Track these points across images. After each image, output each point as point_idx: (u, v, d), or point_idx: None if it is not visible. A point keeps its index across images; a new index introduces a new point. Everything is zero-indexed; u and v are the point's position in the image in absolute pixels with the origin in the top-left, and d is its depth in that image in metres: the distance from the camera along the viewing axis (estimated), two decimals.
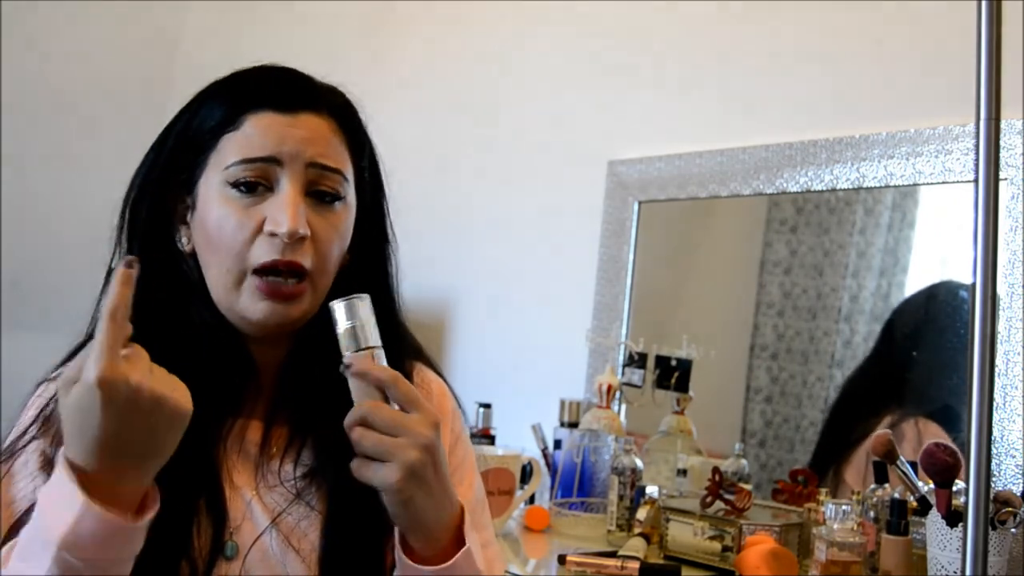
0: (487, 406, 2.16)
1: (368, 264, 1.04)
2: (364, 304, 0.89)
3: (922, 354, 1.74)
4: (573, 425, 2.04)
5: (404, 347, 1.06)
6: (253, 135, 0.94)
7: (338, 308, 0.89)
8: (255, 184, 0.94)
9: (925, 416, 1.69)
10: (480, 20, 2.57)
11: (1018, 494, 1.41)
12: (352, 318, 0.88)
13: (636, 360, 2.04)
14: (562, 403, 2.09)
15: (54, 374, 0.98)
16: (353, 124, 1.02)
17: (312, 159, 0.95)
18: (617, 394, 2.04)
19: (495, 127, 2.51)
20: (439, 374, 1.11)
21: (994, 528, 1.34)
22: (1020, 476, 1.53)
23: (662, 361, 2.00)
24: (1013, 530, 1.35)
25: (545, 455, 2.04)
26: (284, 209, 0.93)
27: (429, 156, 2.64)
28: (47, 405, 0.95)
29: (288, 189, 0.94)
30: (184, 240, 0.99)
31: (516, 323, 2.40)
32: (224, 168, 0.94)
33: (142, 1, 3.03)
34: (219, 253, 0.94)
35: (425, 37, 2.71)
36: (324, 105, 0.98)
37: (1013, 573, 1.36)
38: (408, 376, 1.03)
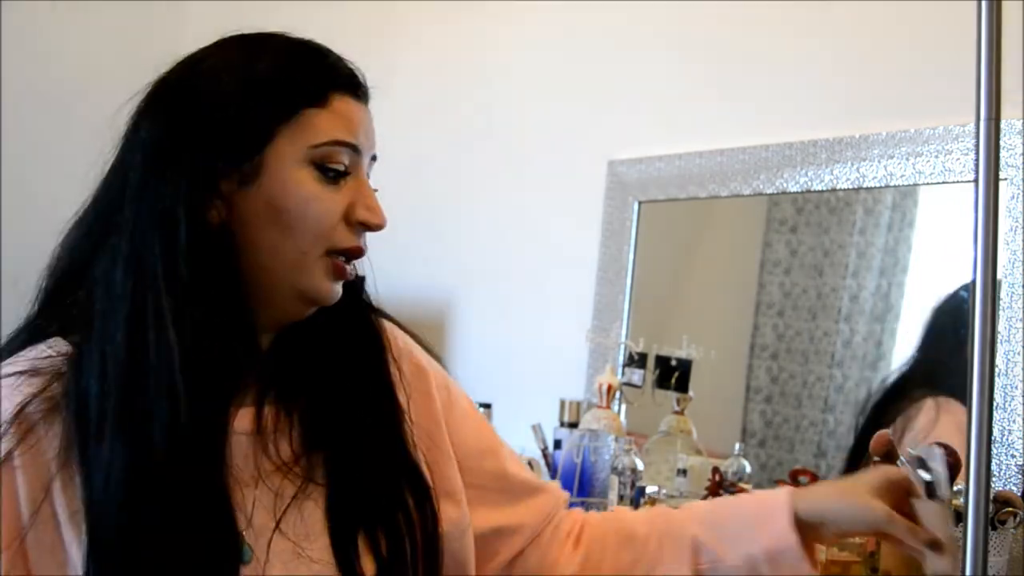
0: (487, 406, 2.16)
1: None
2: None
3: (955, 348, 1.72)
4: (573, 425, 2.04)
5: (372, 308, 1.06)
6: (343, 116, 0.93)
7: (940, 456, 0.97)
8: (343, 168, 0.93)
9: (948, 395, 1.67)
10: (480, 20, 2.57)
11: (1018, 494, 1.41)
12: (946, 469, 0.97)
13: (636, 360, 2.04)
14: (562, 403, 2.09)
15: (14, 367, 0.87)
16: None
17: (374, 152, 0.98)
18: (617, 394, 2.03)
19: (495, 127, 2.50)
20: (413, 336, 1.11)
21: (994, 528, 1.33)
22: (1020, 476, 1.53)
23: (662, 361, 2.00)
24: (1013, 530, 1.35)
25: (545, 455, 2.04)
26: (374, 200, 0.95)
27: (428, 156, 2.64)
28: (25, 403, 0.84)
29: (367, 180, 0.96)
30: (219, 212, 0.90)
31: (516, 323, 2.40)
32: (311, 145, 0.90)
33: (144, 1, 3.03)
34: (298, 233, 0.90)
35: (424, 36, 2.70)
36: (368, 98, 1.00)
37: (1013, 573, 1.36)
38: (380, 331, 1.05)
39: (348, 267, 0.95)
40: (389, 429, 1.00)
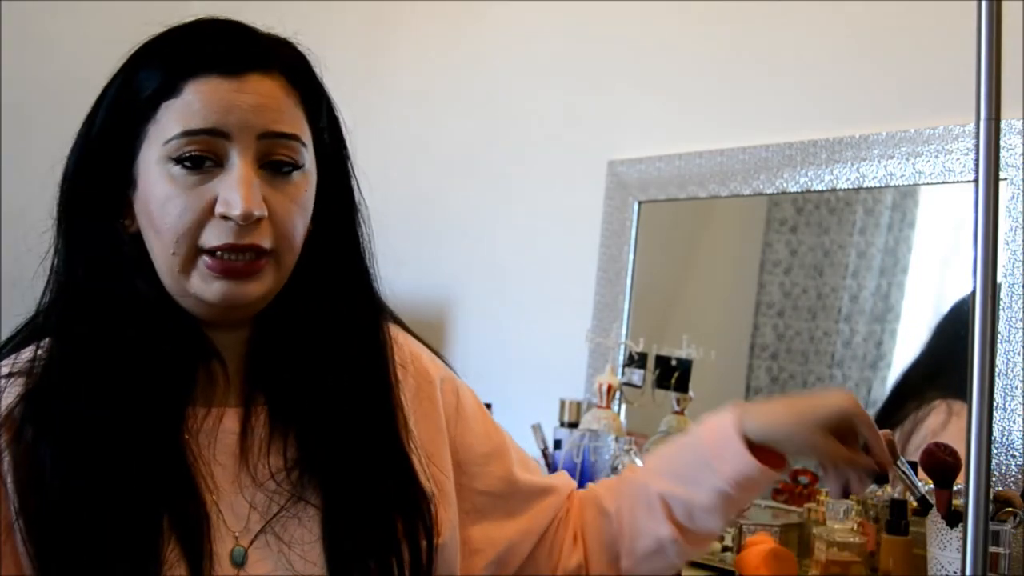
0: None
1: (335, 232, 0.97)
2: None
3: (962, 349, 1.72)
4: (573, 425, 2.04)
5: (384, 314, 1.03)
6: (194, 103, 0.85)
7: None
8: (201, 159, 0.85)
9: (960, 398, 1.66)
10: (480, 20, 2.57)
11: (1018, 494, 1.41)
12: None
13: (636, 360, 2.04)
14: (562, 403, 2.08)
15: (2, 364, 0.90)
16: (307, 81, 0.93)
17: (264, 129, 0.86)
18: (617, 394, 2.03)
19: (495, 127, 2.50)
20: (420, 340, 1.09)
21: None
22: (1020, 476, 1.53)
23: (662, 361, 2.00)
24: (1013, 530, 1.35)
25: (545, 455, 2.04)
26: (236, 188, 0.84)
27: (428, 155, 2.64)
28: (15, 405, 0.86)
29: (239, 165, 0.85)
30: (127, 221, 0.91)
31: (516, 323, 2.40)
32: (164, 142, 0.85)
33: (143, 1, 3.03)
34: (164, 236, 0.86)
35: (424, 36, 2.70)
36: (274, 63, 0.90)
37: (1013, 573, 1.36)
38: (387, 339, 1.01)
39: (234, 261, 0.86)
40: (390, 455, 0.97)
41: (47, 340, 0.91)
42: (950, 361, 1.74)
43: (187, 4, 3.11)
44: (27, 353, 0.90)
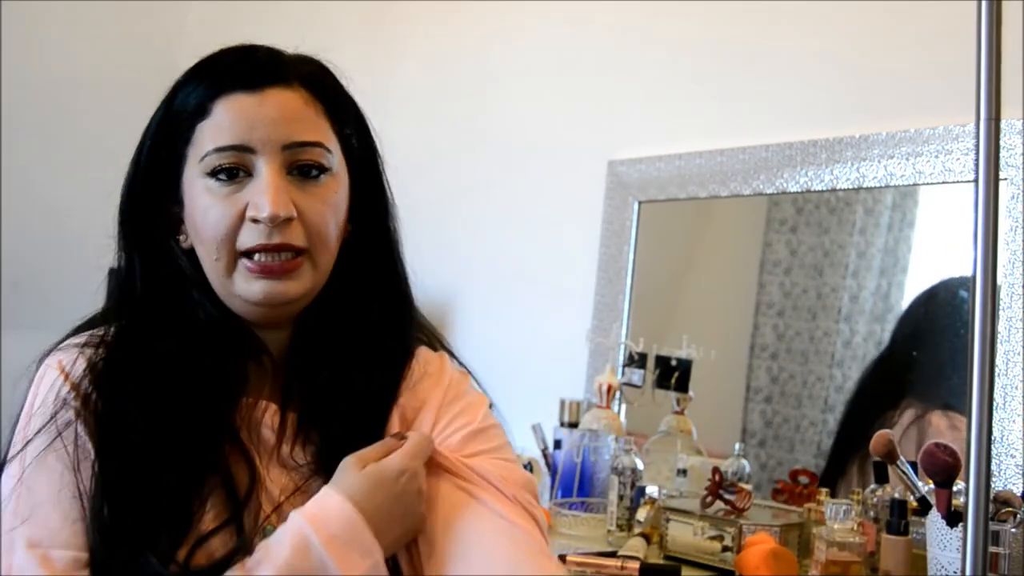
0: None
1: (370, 232, 1.03)
2: None
3: (936, 348, 1.72)
4: (573, 425, 2.04)
5: (412, 325, 1.06)
6: (223, 121, 0.93)
7: None
8: (234, 170, 0.93)
9: (953, 410, 1.66)
10: (480, 19, 2.57)
11: (1018, 494, 1.41)
12: None
13: (636, 360, 2.04)
14: (562, 403, 2.09)
15: (70, 342, 0.97)
16: (329, 90, 0.99)
17: (287, 140, 0.93)
18: (617, 394, 2.03)
19: (495, 127, 2.50)
20: (447, 350, 1.11)
21: None
22: (1020, 476, 1.53)
23: (662, 361, 2.00)
24: (1013, 530, 1.35)
25: (545, 455, 2.04)
26: (264, 193, 0.92)
27: (428, 156, 2.64)
28: (83, 378, 0.92)
29: (266, 172, 0.92)
30: (182, 238, 0.99)
31: (516, 323, 2.40)
32: (200, 159, 0.94)
33: (143, 1, 3.03)
34: (207, 243, 0.94)
35: (424, 36, 2.70)
36: (293, 76, 0.96)
37: (1013, 573, 1.36)
38: (412, 343, 1.05)
39: (271, 262, 0.93)
40: None
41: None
42: (913, 356, 1.74)
43: (187, 5, 3.11)
44: (100, 330, 0.98)
